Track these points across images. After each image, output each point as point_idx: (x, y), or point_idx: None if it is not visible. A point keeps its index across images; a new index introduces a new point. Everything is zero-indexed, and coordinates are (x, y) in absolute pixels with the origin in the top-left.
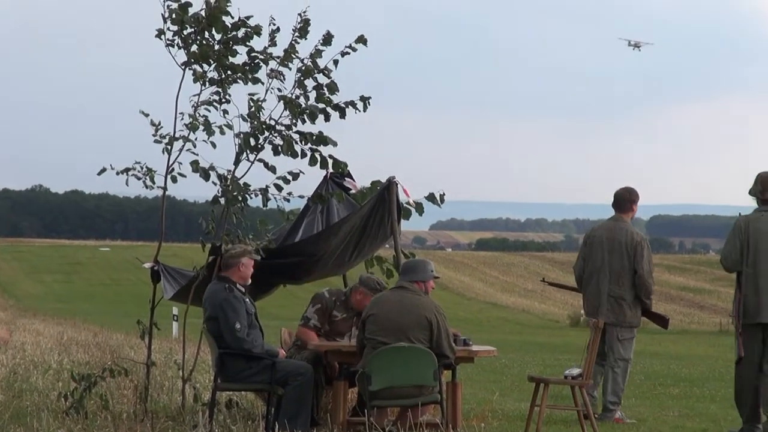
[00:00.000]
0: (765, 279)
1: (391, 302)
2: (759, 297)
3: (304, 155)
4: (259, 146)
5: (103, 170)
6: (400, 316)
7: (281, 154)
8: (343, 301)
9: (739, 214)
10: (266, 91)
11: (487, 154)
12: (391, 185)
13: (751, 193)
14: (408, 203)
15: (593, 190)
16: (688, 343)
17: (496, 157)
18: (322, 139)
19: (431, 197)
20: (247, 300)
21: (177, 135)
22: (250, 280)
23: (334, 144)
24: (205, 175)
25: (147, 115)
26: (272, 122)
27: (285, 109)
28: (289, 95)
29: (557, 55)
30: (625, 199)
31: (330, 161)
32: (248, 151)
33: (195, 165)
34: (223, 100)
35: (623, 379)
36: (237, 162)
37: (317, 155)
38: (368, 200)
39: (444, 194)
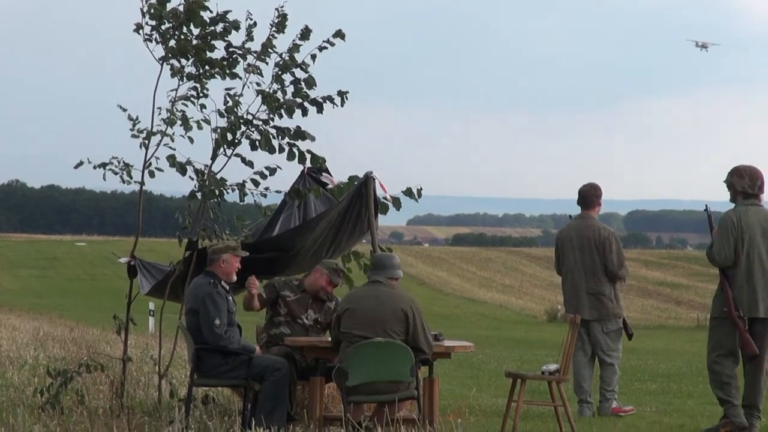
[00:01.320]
0: (760, 272)
1: (366, 296)
2: (755, 291)
3: (281, 150)
4: (237, 141)
5: (80, 164)
6: (376, 309)
7: (258, 149)
8: (293, 285)
9: (706, 206)
10: (243, 85)
11: (464, 149)
12: (368, 180)
13: (737, 187)
14: (385, 198)
15: (571, 186)
16: (666, 339)
17: (474, 152)
18: (300, 134)
19: (408, 192)
20: (230, 298)
21: (154, 130)
22: (234, 278)
23: (312, 138)
24: (181, 169)
25: (125, 110)
26: (249, 117)
27: (262, 103)
28: (267, 90)
29: (534, 48)
30: (590, 195)
31: (308, 156)
32: (225, 146)
33: (172, 160)
34: (201, 95)
35: (614, 371)
36: (214, 157)
37: (295, 150)
38: (345, 195)
39: (421, 189)
